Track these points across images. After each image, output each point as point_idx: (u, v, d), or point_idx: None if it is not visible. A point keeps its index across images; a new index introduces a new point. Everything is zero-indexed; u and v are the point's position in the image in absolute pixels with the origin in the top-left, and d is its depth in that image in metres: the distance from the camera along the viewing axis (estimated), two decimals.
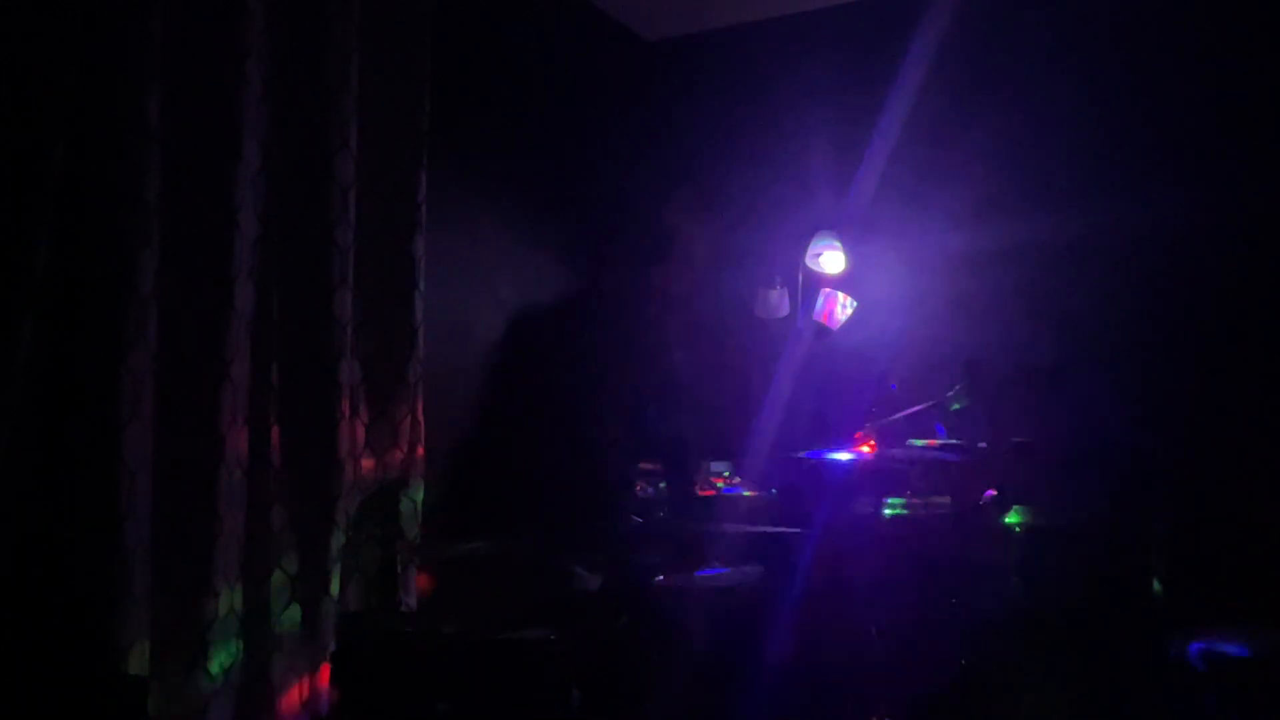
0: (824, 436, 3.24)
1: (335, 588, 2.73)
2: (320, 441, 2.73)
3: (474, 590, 2.30)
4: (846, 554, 2.81)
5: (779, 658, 2.61)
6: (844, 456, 2.85)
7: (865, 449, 2.95)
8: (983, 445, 2.86)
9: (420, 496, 2.98)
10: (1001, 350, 3.32)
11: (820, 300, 3.77)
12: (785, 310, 3.90)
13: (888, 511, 2.81)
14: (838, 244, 3.79)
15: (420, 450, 2.98)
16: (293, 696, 2.65)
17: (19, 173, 2.11)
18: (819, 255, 3.82)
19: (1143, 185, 3.48)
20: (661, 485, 3.26)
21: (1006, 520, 2.75)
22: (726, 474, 3.48)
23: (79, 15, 2.20)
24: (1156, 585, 2.80)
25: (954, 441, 3.02)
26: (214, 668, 2.45)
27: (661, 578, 2.55)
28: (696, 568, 2.66)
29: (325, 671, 2.66)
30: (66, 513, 2.19)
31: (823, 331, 3.80)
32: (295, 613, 2.67)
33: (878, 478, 2.79)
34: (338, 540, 2.74)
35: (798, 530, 2.32)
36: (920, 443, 3.01)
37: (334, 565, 2.73)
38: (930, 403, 2.80)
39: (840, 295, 3.76)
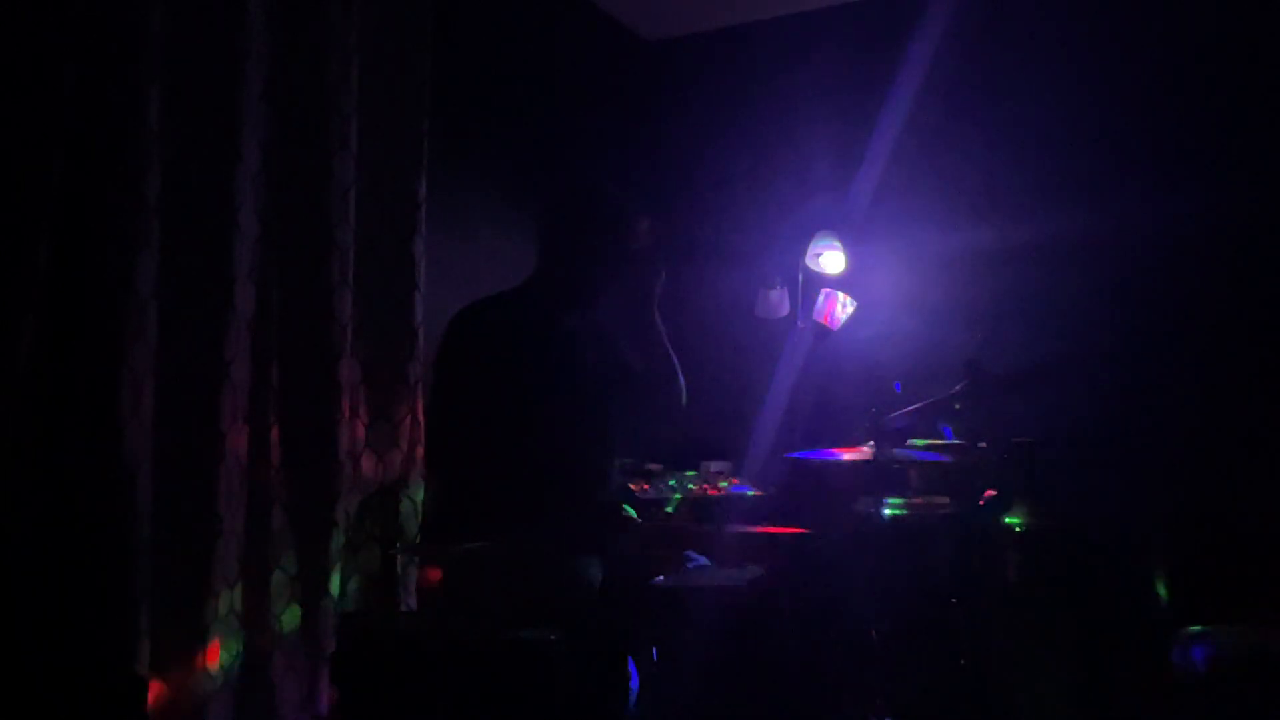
0: (824, 437, 3.24)
1: (335, 588, 2.74)
2: (320, 441, 2.73)
3: (474, 590, 2.29)
4: (846, 554, 2.81)
5: (779, 658, 2.60)
6: (846, 456, 2.85)
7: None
8: (983, 445, 2.86)
9: (420, 496, 2.98)
10: (1002, 350, 3.32)
11: (820, 300, 3.78)
12: (785, 310, 3.90)
13: (888, 511, 2.81)
14: (838, 244, 3.79)
15: (420, 450, 2.98)
16: (293, 696, 2.66)
17: (19, 173, 2.11)
18: (819, 255, 3.82)
19: (1143, 185, 3.48)
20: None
21: (1006, 520, 2.75)
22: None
23: (78, 15, 2.20)
24: (1157, 585, 2.80)
25: (957, 442, 3.02)
26: (214, 668, 2.45)
27: (661, 578, 2.54)
28: (696, 568, 2.65)
29: (325, 671, 2.66)
30: (66, 513, 2.18)
31: (823, 331, 3.80)
32: (295, 613, 2.68)
33: (878, 478, 2.78)
34: (338, 540, 2.74)
35: (798, 530, 2.31)
36: (921, 443, 3.01)
37: (334, 565, 2.73)
38: (931, 399, 2.79)
39: (840, 295, 3.77)
